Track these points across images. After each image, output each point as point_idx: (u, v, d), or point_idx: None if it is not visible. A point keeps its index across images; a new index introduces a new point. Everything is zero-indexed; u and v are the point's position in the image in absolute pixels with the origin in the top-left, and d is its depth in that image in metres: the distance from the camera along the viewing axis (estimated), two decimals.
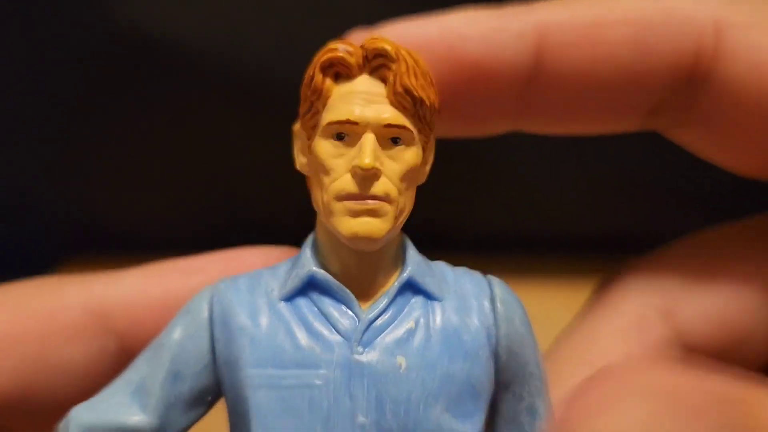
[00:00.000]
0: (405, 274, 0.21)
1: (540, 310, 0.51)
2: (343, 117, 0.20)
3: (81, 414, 0.20)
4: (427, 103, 0.20)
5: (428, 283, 0.21)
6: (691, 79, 0.23)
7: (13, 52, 0.47)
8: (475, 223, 0.51)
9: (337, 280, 0.21)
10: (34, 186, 0.52)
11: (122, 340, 0.23)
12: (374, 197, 0.20)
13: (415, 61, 0.20)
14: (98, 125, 0.50)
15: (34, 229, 0.54)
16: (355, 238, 0.20)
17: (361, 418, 0.19)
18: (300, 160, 0.22)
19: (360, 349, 0.20)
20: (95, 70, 0.48)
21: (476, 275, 0.22)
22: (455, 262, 0.23)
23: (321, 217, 0.21)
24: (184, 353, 0.21)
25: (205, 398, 0.21)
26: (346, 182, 0.20)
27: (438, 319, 0.21)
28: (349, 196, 0.20)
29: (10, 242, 0.55)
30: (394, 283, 0.21)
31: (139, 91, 0.49)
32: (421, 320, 0.20)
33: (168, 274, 0.23)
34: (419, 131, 0.21)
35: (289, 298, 0.21)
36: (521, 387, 0.21)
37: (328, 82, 0.21)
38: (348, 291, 0.21)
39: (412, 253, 0.21)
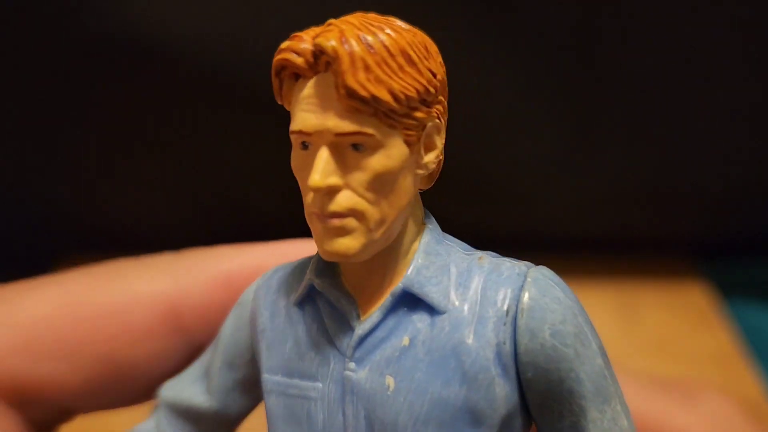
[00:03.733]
0: (400, 284, 0.19)
1: None
2: (296, 127, 0.18)
3: (166, 390, 0.22)
4: (386, 97, 0.17)
5: (430, 292, 0.18)
6: None
7: (14, 52, 0.47)
8: (475, 223, 0.51)
9: (345, 284, 0.19)
10: (35, 186, 0.52)
11: (192, 337, 0.23)
12: (334, 215, 0.18)
13: (369, 46, 0.17)
14: (99, 125, 0.50)
15: (34, 228, 0.54)
16: (331, 257, 0.18)
17: None
18: None
19: (352, 365, 0.19)
20: (95, 70, 0.48)
21: (512, 275, 0.19)
22: None
23: None
24: (234, 345, 0.21)
25: (259, 385, 0.21)
26: (310, 199, 0.18)
27: (437, 335, 0.18)
28: (316, 215, 0.18)
29: (11, 241, 0.55)
30: (388, 293, 0.19)
31: (139, 92, 0.49)
32: (419, 337, 0.18)
33: (233, 266, 0.23)
34: (391, 127, 0.18)
35: (300, 303, 0.20)
36: (560, 405, 0.18)
37: (287, 85, 0.19)
38: (347, 302, 0.19)
39: (424, 255, 0.19)
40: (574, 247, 0.54)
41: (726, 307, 0.53)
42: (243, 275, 0.23)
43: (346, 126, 0.17)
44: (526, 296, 0.18)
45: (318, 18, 0.47)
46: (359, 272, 0.19)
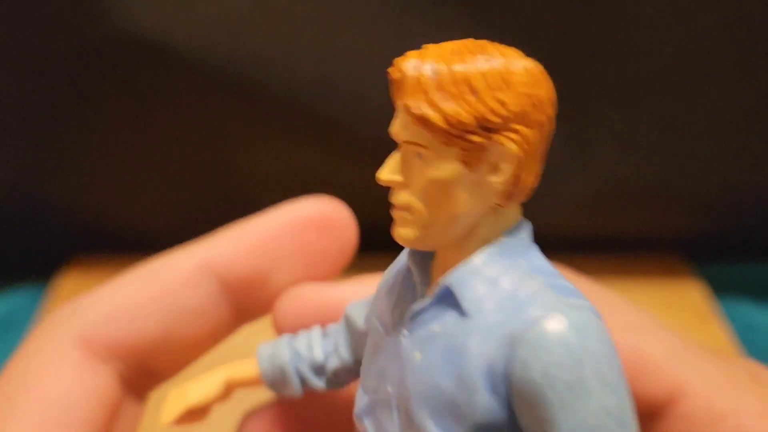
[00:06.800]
0: (443, 279, 0.21)
1: None
2: None
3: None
4: (435, 118, 0.20)
5: (464, 296, 0.20)
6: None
7: (14, 52, 0.48)
8: None
9: (432, 266, 0.23)
10: (40, 186, 0.53)
11: (221, 279, 0.30)
12: (397, 206, 0.21)
13: (434, 72, 0.20)
14: (102, 125, 0.50)
15: (40, 229, 0.55)
16: (396, 240, 0.22)
17: (390, 388, 0.22)
18: None
19: (405, 332, 0.22)
20: (97, 70, 0.48)
21: (541, 305, 0.19)
22: None
23: None
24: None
25: None
26: None
27: (457, 333, 0.20)
28: None
29: (17, 242, 0.55)
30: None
31: (141, 92, 0.49)
32: (446, 329, 0.21)
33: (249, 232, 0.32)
34: (446, 144, 0.20)
35: (409, 266, 0.23)
36: None
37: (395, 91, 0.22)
38: (421, 280, 0.22)
39: (478, 262, 0.21)
40: (568, 247, 0.54)
41: (720, 306, 0.53)
42: (271, 238, 0.31)
43: (406, 135, 0.20)
44: (534, 329, 0.19)
45: (318, 19, 0.47)
46: (436, 260, 0.23)
